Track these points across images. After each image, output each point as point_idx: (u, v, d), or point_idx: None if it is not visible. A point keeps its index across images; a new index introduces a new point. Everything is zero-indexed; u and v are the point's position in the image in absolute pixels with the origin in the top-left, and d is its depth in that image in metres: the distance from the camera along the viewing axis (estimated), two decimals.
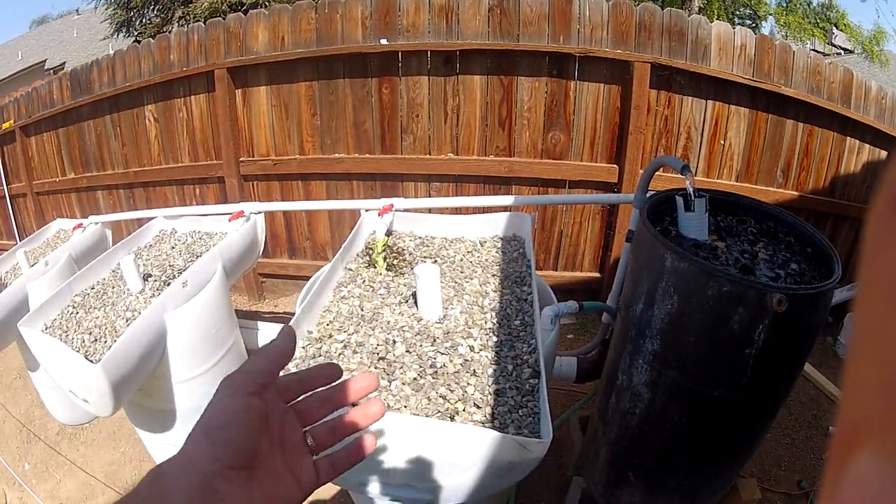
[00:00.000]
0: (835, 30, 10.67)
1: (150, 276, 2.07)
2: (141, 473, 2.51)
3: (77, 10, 18.98)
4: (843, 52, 13.33)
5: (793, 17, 9.66)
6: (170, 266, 2.13)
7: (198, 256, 2.11)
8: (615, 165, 2.96)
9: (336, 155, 3.21)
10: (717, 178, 3.04)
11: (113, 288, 2.06)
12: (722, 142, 2.99)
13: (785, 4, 10.25)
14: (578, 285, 3.24)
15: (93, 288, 2.08)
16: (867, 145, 3.12)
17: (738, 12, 10.50)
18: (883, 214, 0.17)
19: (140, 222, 2.69)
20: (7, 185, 4.96)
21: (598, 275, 3.24)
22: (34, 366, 2.69)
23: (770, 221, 1.52)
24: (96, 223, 2.79)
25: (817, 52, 11.09)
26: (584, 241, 3.20)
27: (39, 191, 4.68)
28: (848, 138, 3.07)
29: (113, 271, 2.19)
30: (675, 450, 1.52)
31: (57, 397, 2.75)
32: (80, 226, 2.79)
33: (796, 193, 3.10)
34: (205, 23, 3.22)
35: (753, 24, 10.58)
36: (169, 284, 1.93)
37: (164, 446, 2.17)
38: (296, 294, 3.70)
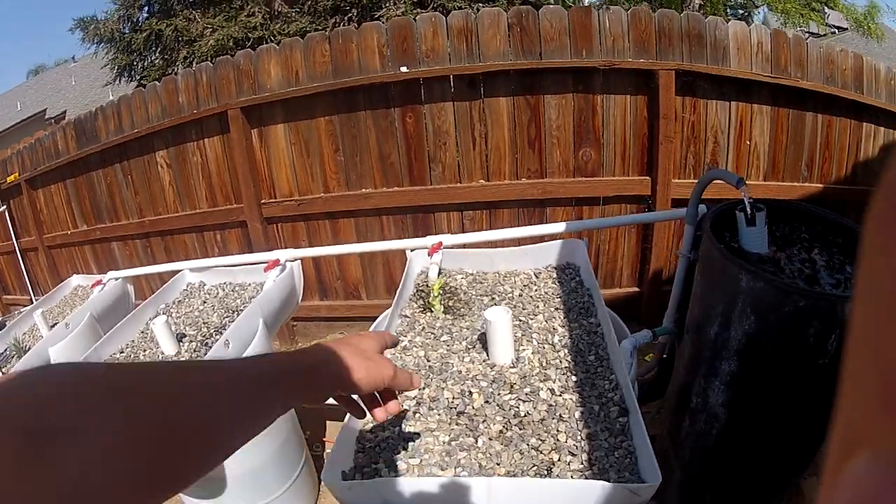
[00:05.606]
0: (826, 9, 10.68)
1: (185, 335, 1.95)
2: None
3: (73, 58, 19.25)
4: (836, 30, 13.34)
5: (790, 3, 9.65)
6: (204, 323, 2.00)
7: (233, 310, 2.00)
8: (647, 177, 2.89)
9: (363, 190, 3.09)
10: (745, 179, 2.97)
11: (144, 351, 1.94)
12: (748, 142, 2.96)
13: None
14: (619, 301, 3.13)
15: (122, 352, 1.96)
16: (882, 128, 3.16)
17: (729, 2, 10.53)
18: (882, 215, 0.17)
19: (162, 274, 2.57)
20: (17, 240, 4.88)
21: (636, 289, 3.15)
22: None
23: (818, 224, 1.54)
24: (116, 279, 2.68)
25: (813, 34, 11.11)
26: (620, 256, 3.11)
27: (51, 244, 4.58)
28: (864, 124, 3.09)
29: (142, 332, 2.07)
30: (753, 465, 1.52)
31: None
32: (99, 282, 2.68)
33: (821, 186, 3.10)
34: (212, 62, 3.14)
35: (746, 13, 10.61)
36: (206, 343, 1.83)
37: None
38: (329, 336, 3.58)
